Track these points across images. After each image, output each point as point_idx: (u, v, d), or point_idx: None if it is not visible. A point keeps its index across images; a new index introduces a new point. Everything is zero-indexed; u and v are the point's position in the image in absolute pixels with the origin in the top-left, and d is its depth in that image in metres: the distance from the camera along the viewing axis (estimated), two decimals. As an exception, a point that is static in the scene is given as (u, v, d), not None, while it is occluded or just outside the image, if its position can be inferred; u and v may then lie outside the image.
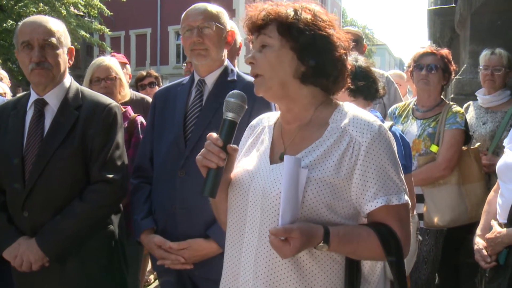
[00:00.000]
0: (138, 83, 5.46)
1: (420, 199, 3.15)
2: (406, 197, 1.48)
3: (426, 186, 3.17)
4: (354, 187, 1.46)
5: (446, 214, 3.11)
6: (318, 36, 1.48)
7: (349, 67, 1.58)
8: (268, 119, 1.72)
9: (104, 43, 20.73)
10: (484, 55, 3.67)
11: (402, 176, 1.50)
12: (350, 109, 1.55)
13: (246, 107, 1.56)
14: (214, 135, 1.52)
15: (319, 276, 1.46)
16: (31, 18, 2.35)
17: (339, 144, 1.47)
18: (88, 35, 18.77)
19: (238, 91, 1.56)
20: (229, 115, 1.54)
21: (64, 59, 2.34)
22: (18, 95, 2.64)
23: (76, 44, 18.55)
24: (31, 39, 2.24)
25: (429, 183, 3.16)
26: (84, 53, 28.29)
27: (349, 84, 1.61)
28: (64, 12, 17.09)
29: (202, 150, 1.51)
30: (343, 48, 1.53)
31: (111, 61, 3.26)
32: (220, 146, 1.49)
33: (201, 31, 2.32)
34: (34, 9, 15.75)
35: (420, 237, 2.69)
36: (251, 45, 1.60)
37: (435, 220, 3.13)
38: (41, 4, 16.67)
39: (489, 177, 3.32)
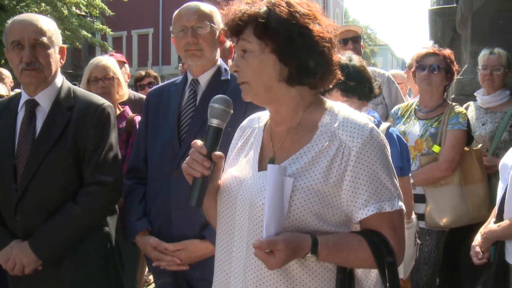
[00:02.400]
0: (137, 83, 5.45)
1: (421, 199, 3.14)
2: (400, 203, 1.42)
3: (427, 186, 3.16)
4: (345, 194, 1.40)
5: (447, 214, 3.11)
6: (296, 34, 1.40)
7: (336, 59, 1.49)
8: (258, 120, 1.65)
9: (106, 43, 20.78)
10: (483, 55, 3.64)
11: (396, 181, 1.44)
12: (341, 110, 1.48)
13: (231, 111, 1.51)
14: (198, 142, 1.47)
15: (310, 285, 1.41)
16: (21, 16, 2.29)
17: (328, 149, 1.41)
18: (90, 35, 18.79)
19: (222, 95, 1.51)
20: (214, 122, 1.48)
21: (56, 59, 2.28)
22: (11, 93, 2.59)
23: (78, 44, 18.60)
24: (21, 38, 2.17)
25: (431, 183, 3.15)
26: (86, 53, 28.35)
27: (340, 77, 1.54)
28: (66, 12, 17.10)
29: (187, 159, 1.47)
30: (326, 40, 1.44)
31: (109, 60, 3.23)
32: (204, 154, 1.45)
33: (196, 31, 2.29)
34: (36, 9, 15.75)
35: (418, 241, 2.67)
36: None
37: (437, 220, 3.11)
38: (43, 4, 16.67)
39: (489, 178, 3.30)
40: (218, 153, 1.47)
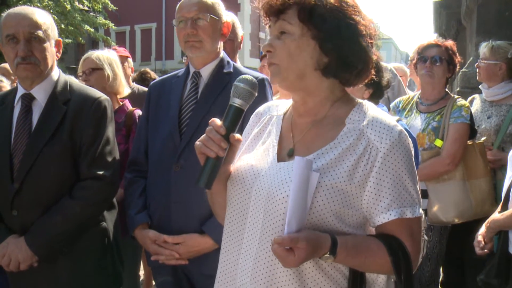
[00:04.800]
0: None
1: (423, 194, 3.09)
2: (420, 210, 1.39)
3: (430, 181, 3.11)
4: (367, 195, 1.35)
5: (450, 210, 3.06)
6: (343, 24, 1.34)
7: (374, 57, 1.44)
8: (276, 108, 1.58)
9: (109, 38, 20.70)
10: (482, 48, 3.58)
11: (418, 187, 1.41)
12: (370, 109, 1.43)
13: (256, 94, 1.44)
14: (217, 121, 1.38)
15: (321, 285, 1.37)
16: (16, 9, 2.26)
17: (355, 147, 1.36)
18: (93, 30, 18.75)
19: (248, 76, 1.44)
20: (236, 102, 1.39)
21: (52, 53, 2.25)
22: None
23: (81, 39, 18.59)
24: (16, 32, 2.14)
25: (433, 178, 3.10)
26: (89, 48, 28.18)
27: (373, 77, 1.48)
28: (68, 7, 17.06)
29: (202, 136, 1.39)
30: (370, 36, 1.39)
31: (101, 53, 3.14)
32: (222, 134, 1.37)
33: (195, 23, 2.26)
34: (38, 4, 15.70)
35: (425, 237, 2.64)
36: (267, 28, 1.46)
37: (439, 216, 3.07)
38: (46, -1, 16.65)
39: (494, 173, 3.25)
40: (236, 135, 1.40)
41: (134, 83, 4.53)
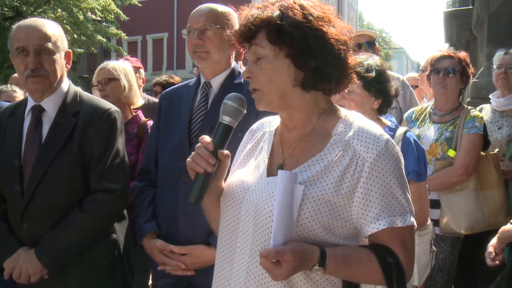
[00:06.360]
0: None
1: (436, 204, 3.07)
2: (412, 219, 1.39)
3: (442, 191, 3.09)
4: (356, 206, 1.36)
5: (462, 220, 3.04)
6: (311, 37, 1.36)
7: (352, 63, 1.45)
8: (269, 124, 1.61)
9: (121, 48, 20.89)
10: (498, 55, 3.58)
11: (409, 195, 1.41)
12: (356, 120, 1.44)
13: (245, 111, 1.47)
14: (206, 138, 1.44)
15: None
16: (26, 21, 2.25)
17: (341, 159, 1.37)
18: (105, 40, 18.95)
19: (237, 93, 1.48)
20: (225, 119, 1.45)
21: (61, 64, 2.25)
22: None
23: (93, 49, 18.79)
24: (26, 45, 2.14)
25: (446, 188, 3.09)
26: (101, 58, 28.55)
27: (356, 81, 1.51)
28: (81, 17, 17.25)
29: (192, 153, 1.44)
30: (341, 43, 1.40)
31: (116, 64, 3.16)
32: (210, 151, 1.42)
33: (202, 33, 2.27)
34: (52, 15, 15.90)
35: (434, 248, 2.61)
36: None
37: (452, 226, 3.05)
38: (59, 10, 16.86)
39: (506, 184, 3.22)
40: (224, 151, 1.44)
41: (145, 93, 4.58)
